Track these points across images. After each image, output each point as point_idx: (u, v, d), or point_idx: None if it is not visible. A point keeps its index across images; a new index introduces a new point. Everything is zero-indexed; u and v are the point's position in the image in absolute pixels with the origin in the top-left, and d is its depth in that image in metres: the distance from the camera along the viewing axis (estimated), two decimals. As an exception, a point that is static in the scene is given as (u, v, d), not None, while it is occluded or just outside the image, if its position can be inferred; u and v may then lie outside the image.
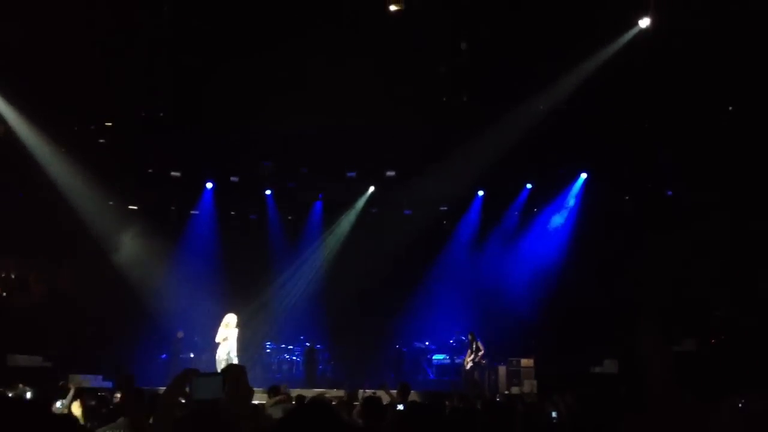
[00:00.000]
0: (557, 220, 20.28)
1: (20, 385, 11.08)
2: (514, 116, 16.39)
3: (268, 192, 20.74)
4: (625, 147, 17.11)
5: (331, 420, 2.80)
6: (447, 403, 9.28)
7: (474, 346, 17.70)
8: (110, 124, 17.23)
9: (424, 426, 4.14)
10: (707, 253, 16.54)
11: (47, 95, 14.93)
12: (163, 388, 13.20)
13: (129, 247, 18.37)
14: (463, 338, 18.41)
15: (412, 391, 11.18)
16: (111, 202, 18.47)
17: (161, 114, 16.72)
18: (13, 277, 18.14)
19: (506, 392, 16.08)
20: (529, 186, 20.38)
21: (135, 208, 19.37)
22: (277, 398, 9.59)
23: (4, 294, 17.91)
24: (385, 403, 7.33)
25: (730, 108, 15.88)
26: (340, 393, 12.45)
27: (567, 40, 14.17)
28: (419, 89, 15.74)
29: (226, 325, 15.24)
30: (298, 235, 21.39)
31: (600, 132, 16.67)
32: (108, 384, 14.88)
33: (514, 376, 17.50)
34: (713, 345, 16.40)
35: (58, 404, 9.28)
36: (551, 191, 20.12)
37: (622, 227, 18.17)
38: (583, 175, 19.63)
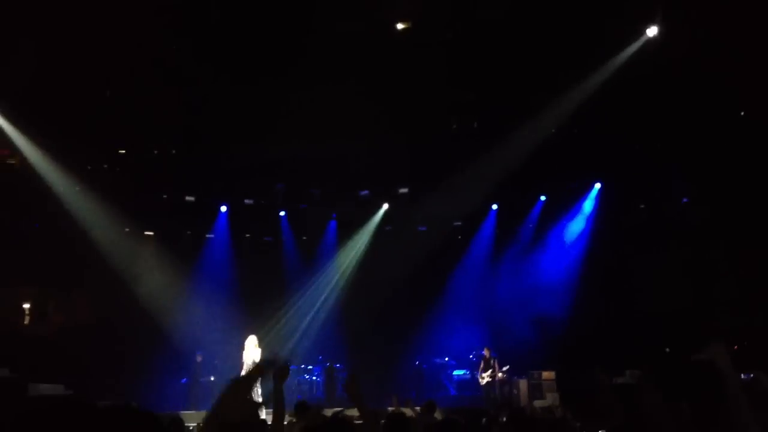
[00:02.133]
0: (575, 227, 20.19)
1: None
2: (525, 129, 16.42)
3: (282, 213, 20.81)
4: (638, 155, 17.07)
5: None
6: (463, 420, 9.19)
7: (491, 362, 17.70)
8: (124, 151, 17.41)
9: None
10: (727, 260, 16.46)
11: (61, 125, 15.11)
12: (185, 412, 13.15)
13: (146, 273, 18.43)
14: (482, 353, 18.36)
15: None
16: (127, 229, 18.58)
17: (173, 151, 17.05)
18: (32, 306, 18.24)
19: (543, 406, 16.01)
20: (543, 198, 20.36)
21: (151, 233, 19.47)
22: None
23: (25, 323, 18.01)
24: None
25: (742, 113, 15.83)
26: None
27: (575, 52, 14.23)
28: (430, 109, 15.87)
29: (247, 347, 15.31)
30: (313, 255, 21.42)
31: (613, 141, 16.66)
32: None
33: (536, 389, 17.41)
34: (734, 352, 16.24)
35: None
36: (566, 202, 20.07)
37: (639, 235, 18.07)
38: (597, 185, 19.59)
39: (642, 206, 19.23)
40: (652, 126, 16.22)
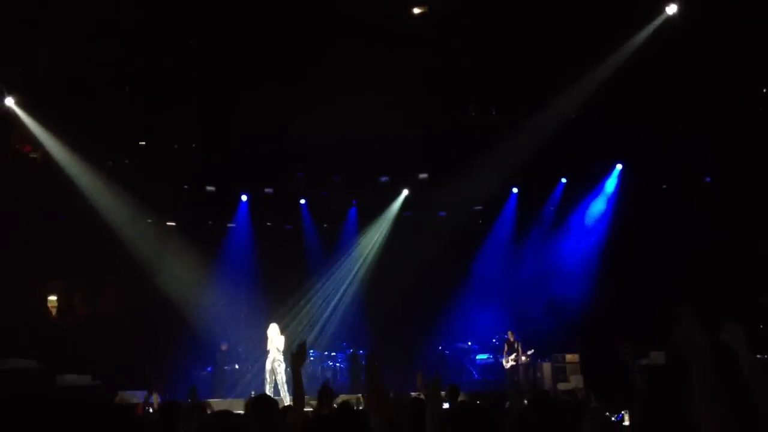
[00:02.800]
0: (597, 208, 20.06)
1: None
2: (545, 112, 16.32)
3: (302, 201, 20.86)
4: (659, 135, 16.91)
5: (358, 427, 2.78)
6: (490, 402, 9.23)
7: (515, 345, 17.69)
8: (144, 143, 17.56)
9: (471, 424, 4.13)
10: (750, 239, 16.28)
11: (81, 120, 15.25)
12: (211, 400, 13.25)
13: (169, 263, 18.57)
14: (506, 336, 18.37)
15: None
16: (149, 220, 18.72)
17: (193, 145, 17.27)
18: (58, 299, 18.47)
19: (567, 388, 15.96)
20: (564, 180, 20.23)
21: (173, 224, 19.61)
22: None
23: (52, 316, 18.25)
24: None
25: (765, 90, 15.63)
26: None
27: (593, 34, 14.11)
28: (449, 94, 15.84)
29: (271, 335, 15.44)
30: (334, 242, 21.48)
31: (634, 121, 16.52)
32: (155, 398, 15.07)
33: (560, 372, 17.38)
34: (761, 331, 16.08)
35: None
36: (587, 184, 19.94)
37: (661, 215, 17.93)
38: (619, 166, 19.44)
39: (664, 186, 19.06)
40: (674, 105, 16.06)
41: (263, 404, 4.64)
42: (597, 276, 18.95)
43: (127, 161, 17.70)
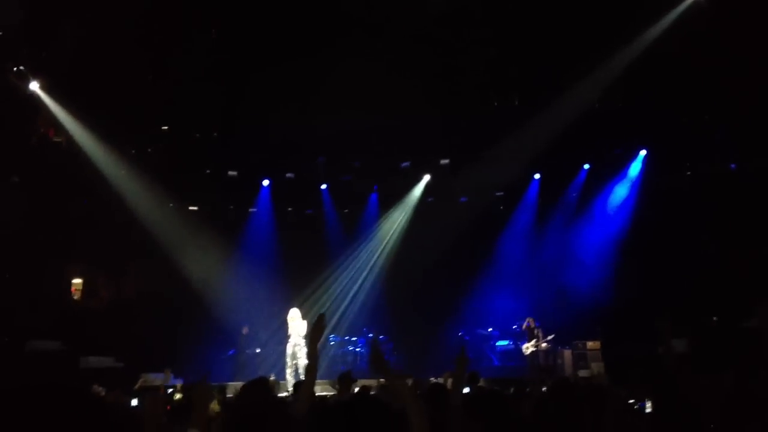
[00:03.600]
0: (619, 193, 19.88)
1: (95, 386, 11.41)
2: (567, 97, 16.18)
3: (323, 187, 20.88)
4: (683, 121, 16.72)
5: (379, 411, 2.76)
6: (512, 389, 9.25)
7: (535, 332, 17.61)
8: (166, 127, 17.65)
9: (489, 410, 4.12)
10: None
11: (105, 104, 15.36)
12: (232, 383, 13.32)
13: (191, 247, 18.68)
14: (527, 323, 18.29)
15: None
16: (172, 205, 18.84)
17: (215, 134, 17.43)
18: (82, 282, 18.65)
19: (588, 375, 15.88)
20: (586, 166, 20.06)
21: (195, 208, 19.72)
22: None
23: (76, 299, 18.43)
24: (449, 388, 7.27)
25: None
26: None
27: (617, 18, 13.96)
28: (471, 79, 15.75)
29: (292, 319, 15.49)
30: (355, 227, 21.50)
31: (658, 107, 16.33)
32: (178, 381, 15.22)
33: (581, 359, 17.29)
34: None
35: (134, 402, 9.60)
36: (610, 170, 19.77)
37: (685, 202, 17.74)
38: (643, 152, 19.25)
39: (689, 173, 18.86)
40: (698, 92, 15.85)
41: (253, 388, 4.65)
42: (619, 263, 18.80)
43: (149, 148, 17.81)
